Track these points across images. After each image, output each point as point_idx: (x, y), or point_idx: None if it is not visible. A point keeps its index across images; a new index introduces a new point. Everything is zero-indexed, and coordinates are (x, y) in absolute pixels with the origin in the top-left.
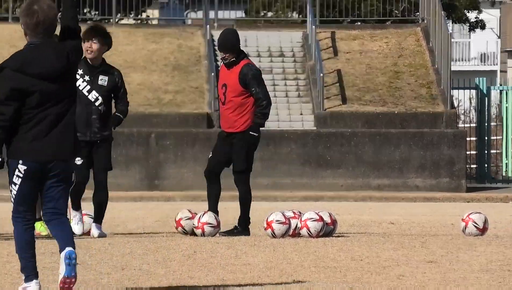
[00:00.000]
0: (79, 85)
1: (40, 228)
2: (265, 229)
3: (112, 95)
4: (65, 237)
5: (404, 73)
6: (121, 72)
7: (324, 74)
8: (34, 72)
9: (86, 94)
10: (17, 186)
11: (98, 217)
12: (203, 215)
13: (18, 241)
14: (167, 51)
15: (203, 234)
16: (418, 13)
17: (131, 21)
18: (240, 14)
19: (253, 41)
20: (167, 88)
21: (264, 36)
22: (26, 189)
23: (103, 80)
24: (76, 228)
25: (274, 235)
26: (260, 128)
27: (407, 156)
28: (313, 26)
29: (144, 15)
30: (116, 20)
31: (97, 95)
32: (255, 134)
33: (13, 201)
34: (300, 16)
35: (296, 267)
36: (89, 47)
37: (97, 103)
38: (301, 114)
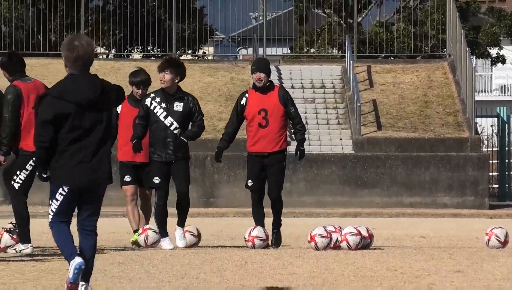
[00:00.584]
0: (157, 112)
1: (134, 237)
2: (309, 242)
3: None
4: (84, 249)
5: (433, 102)
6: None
7: (361, 104)
8: (72, 99)
9: (163, 119)
10: (58, 202)
11: (182, 221)
12: (253, 229)
13: (58, 236)
14: (221, 83)
15: (253, 247)
16: (445, 49)
17: (189, 57)
18: (285, 50)
19: (297, 74)
20: (221, 116)
21: (307, 70)
22: (66, 205)
23: (178, 106)
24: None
25: (317, 248)
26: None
27: (436, 177)
28: (351, 61)
29: (200, 52)
30: (176, 56)
31: (172, 120)
32: (303, 148)
33: (52, 212)
34: (340, 52)
35: (337, 276)
36: (162, 78)
37: (172, 128)
38: (341, 139)
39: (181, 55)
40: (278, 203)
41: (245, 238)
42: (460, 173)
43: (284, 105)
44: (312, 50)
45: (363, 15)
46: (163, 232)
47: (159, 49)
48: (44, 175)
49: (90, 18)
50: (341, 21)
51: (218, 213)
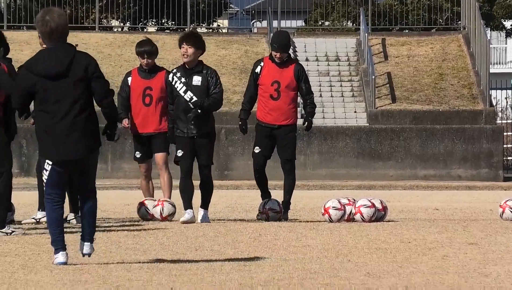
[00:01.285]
0: (177, 86)
1: None
2: (323, 214)
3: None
4: (84, 211)
5: (447, 75)
6: (216, 71)
7: (375, 76)
8: (37, 71)
9: (183, 94)
10: (47, 172)
11: (204, 203)
12: (267, 202)
13: (48, 219)
14: (235, 56)
15: (267, 219)
16: (460, 22)
17: (204, 30)
18: (300, 23)
19: (312, 47)
20: (235, 89)
21: (322, 42)
22: (55, 177)
23: (197, 80)
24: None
25: (331, 220)
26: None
27: (450, 149)
28: (366, 34)
29: (215, 25)
30: (190, 29)
31: (191, 95)
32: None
33: (45, 183)
34: (354, 24)
35: (351, 248)
36: (185, 52)
37: (188, 99)
38: (355, 112)
39: (196, 28)
40: (292, 177)
41: (259, 210)
42: (475, 146)
43: (297, 80)
44: (326, 23)
45: None
46: (185, 204)
47: (173, 22)
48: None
49: None
50: None
51: (233, 186)
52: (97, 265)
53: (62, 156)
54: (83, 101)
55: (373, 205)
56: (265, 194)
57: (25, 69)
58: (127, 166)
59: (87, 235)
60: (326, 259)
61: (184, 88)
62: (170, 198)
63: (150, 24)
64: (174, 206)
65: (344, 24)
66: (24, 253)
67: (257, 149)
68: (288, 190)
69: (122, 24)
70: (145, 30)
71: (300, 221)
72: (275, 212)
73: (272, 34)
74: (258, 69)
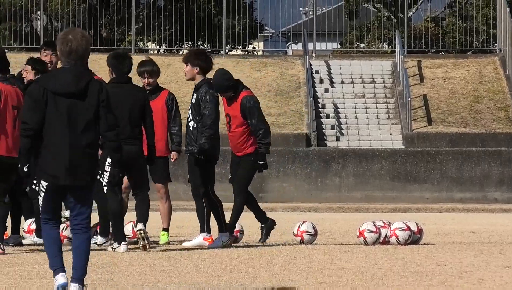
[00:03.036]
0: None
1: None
2: (358, 237)
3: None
4: (74, 247)
5: (483, 97)
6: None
7: (411, 99)
8: (50, 87)
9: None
10: (41, 198)
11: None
12: (302, 224)
13: (45, 241)
14: (271, 78)
15: (302, 242)
16: (496, 44)
17: (239, 52)
18: (335, 45)
19: (347, 69)
20: (270, 111)
21: (357, 64)
22: (48, 202)
23: (193, 97)
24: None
25: (366, 243)
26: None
27: (486, 172)
28: (402, 56)
29: (250, 47)
30: (226, 51)
31: (189, 112)
32: (262, 162)
33: (40, 209)
34: (390, 46)
35: (386, 271)
36: (184, 70)
37: (189, 120)
38: (391, 134)
39: (231, 50)
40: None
41: (293, 233)
42: (511, 168)
43: (243, 116)
44: (362, 45)
45: (414, 10)
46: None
47: (209, 45)
48: (25, 169)
49: (141, 13)
50: (391, 16)
51: (267, 208)
52: (132, 287)
53: (68, 180)
54: (94, 124)
55: (409, 228)
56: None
57: (35, 84)
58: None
59: (75, 275)
60: (361, 282)
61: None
62: (168, 226)
63: (186, 46)
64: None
65: (380, 46)
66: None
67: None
68: (237, 211)
69: (158, 46)
70: (180, 52)
71: (335, 244)
72: (310, 235)
73: (307, 56)
74: None
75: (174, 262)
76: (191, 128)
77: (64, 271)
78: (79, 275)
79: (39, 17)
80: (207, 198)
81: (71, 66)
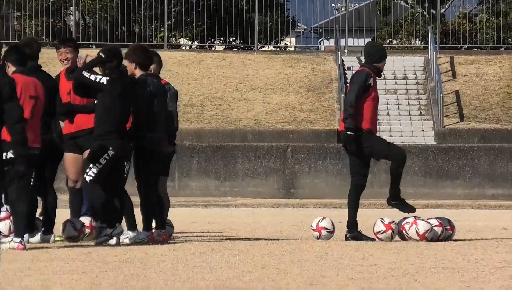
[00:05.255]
0: None
1: None
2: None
3: None
4: None
5: None
6: None
7: (443, 95)
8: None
9: None
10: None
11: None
12: (322, 219)
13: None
14: (302, 74)
15: (319, 237)
16: None
17: (271, 48)
18: (368, 41)
19: None
20: (302, 107)
21: (390, 60)
22: None
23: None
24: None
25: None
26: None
27: None
28: (434, 52)
29: (282, 43)
30: (258, 47)
31: None
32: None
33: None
34: (422, 42)
35: (418, 268)
36: None
37: None
38: (423, 130)
39: (263, 46)
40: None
41: (312, 227)
42: None
43: None
44: (394, 41)
45: (446, 6)
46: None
47: (241, 41)
48: None
49: (173, 9)
50: (424, 12)
51: (299, 204)
52: (164, 283)
53: None
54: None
55: (441, 224)
56: None
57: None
58: (193, 184)
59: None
60: (392, 279)
61: None
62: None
63: (218, 42)
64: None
65: (412, 43)
66: (91, 270)
67: None
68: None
69: (190, 42)
70: (213, 48)
71: (366, 240)
72: (328, 231)
73: (339, 52)
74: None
75: (206, 258)
76: None
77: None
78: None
79: (71, 13)
80: (149, 194)
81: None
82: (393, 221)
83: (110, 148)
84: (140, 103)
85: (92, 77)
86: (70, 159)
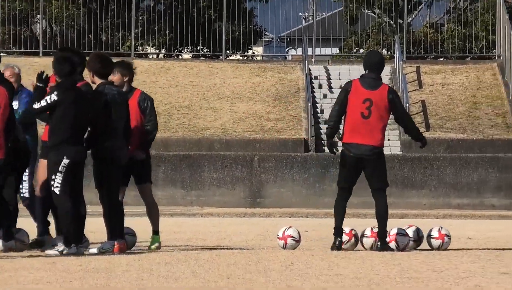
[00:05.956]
0: None
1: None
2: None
3: None
4: None
5: (482, 104)
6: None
7: (410, 104)
8: None
9: None
10: None
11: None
12: (288, 228)
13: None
14: (270, 83)
15: (285, 246)
16: (495, 50)
17: (239, 57)
18: (335, 50)
19: (346, 74)
20: (269, 116)
21: (357, 70)
22: None
23: None
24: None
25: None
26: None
27: (484, 178)
28: (400, 62)
29: (250, 52)
30: (225, 56)
31: None
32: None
33: None
34: (389, 52)
35: (383, 277)
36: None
37: None
38: (389, 139)
39: (231, 55)
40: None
41: (278, 235)
42: (509, 175)
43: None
44: (361, 51)
45: (413, 16)
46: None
47: (208, 50)
48: None
49: (141, 18)
50: (391, 22)
51: (265, 213)
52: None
53: None
54: None
55: (407, 234)
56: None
57: None
58: (160, 193)
59: None
60: (358, 288)
61: None
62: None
63: (185, 51)
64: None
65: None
66: (56, 280)
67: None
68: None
69: (157, 51)
70: (180, 57)
71: (332, 251)
72: (294, 240)
73: (306, 61)
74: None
75: (171, 267)
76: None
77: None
78: None
79: (38, 21)
80: (110, 203)
81: None
82: (353, 229)
83: (65, 157)
84: (97, 111)
85: (43, 102)
86: (44, 165)
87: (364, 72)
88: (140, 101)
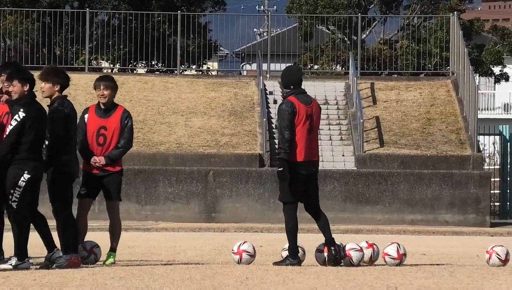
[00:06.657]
0: None
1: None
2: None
3: None
4: None
5: (435, 120)
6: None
7: (364, 120)
8: None
9: None
10: None
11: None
12: (243, 243)
13: None
14: (225, 98)
15: (240, 261)
16: (448, 67)
17: (194, 72)
18: None
19: None
20: (224, 131)
21: (311, 85)
22: None
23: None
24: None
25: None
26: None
27: (438, 194)
28: (355, 78)
29: (205, 67)
30: (180, 71)
31: None
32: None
33: None
34: (343, 68)
35: None
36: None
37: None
38: (343, 155)
39: (186, 70)
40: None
41: (233, 250)
42: (462, 191)
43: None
44: (315, 67)
45: (367, 32)
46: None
47: (163, 64)
48: None
49: (95, 32)
50: (345, 38)
51: (220, 228)
52: None
53: None
54: None
55: (361, 249)
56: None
57: None
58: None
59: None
60: None
61: None
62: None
63: (140, 65)
64: None
65: (333, 68)
66: None
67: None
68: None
69: (112, 65)
70: (134, 71)
71: (287, 265)
72: (249, 255)
73: (261, 77)
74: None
75: (125, 282)
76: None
77: None
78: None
79: None
80: (65, 217)
81: None
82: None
83: (26, 172)
84: (56, 125)
85: (14, 122)
86: None
87: (286, 88)
88: (123, 118)
